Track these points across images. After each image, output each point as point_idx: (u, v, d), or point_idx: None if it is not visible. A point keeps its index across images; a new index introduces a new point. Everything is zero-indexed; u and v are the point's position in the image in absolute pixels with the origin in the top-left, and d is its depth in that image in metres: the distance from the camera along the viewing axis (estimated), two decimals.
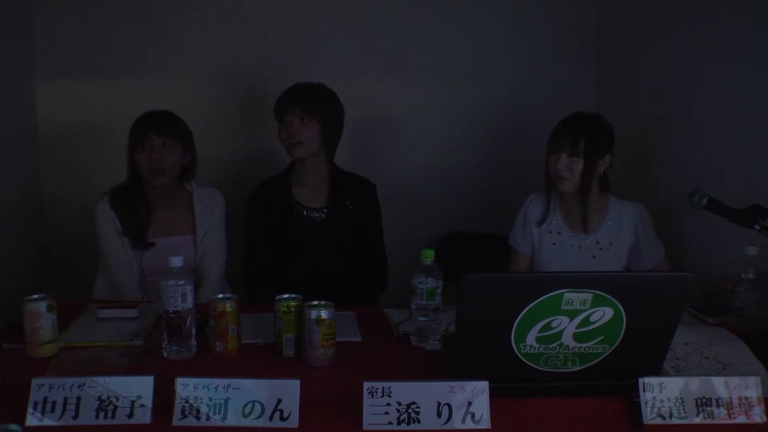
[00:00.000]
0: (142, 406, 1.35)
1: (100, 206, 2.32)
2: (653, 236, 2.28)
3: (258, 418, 1.34)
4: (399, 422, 1.33)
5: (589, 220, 2.26)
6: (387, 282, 2.48)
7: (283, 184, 2.41)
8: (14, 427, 1.18)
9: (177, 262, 1.67)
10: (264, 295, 2.19)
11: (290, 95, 2.35)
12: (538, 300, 1.37)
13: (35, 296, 1.67)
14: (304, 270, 2.32)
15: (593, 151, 2.18)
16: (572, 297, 1.37)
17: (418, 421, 1.33)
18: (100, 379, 1.37)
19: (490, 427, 1.34)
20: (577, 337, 1.41)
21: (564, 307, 1.38)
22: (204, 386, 1.36)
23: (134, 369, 1.59)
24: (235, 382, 1.37)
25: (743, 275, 1.85)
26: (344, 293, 2.29)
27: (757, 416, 1.38)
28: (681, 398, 1.38)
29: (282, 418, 1.34)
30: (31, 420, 1.33)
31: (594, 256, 2.26)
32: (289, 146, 2.32)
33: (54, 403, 1.34)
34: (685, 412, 1.37)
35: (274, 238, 2.36)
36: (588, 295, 1.37)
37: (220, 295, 1.69)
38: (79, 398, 1.35)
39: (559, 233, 2.31)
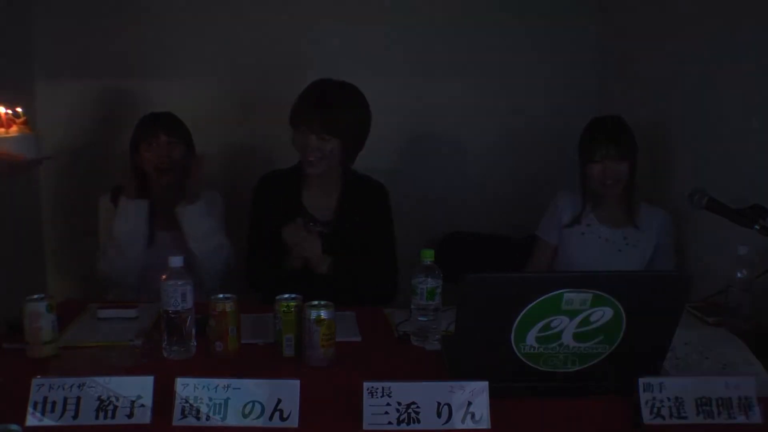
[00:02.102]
0: (142, 406, 1.35)
1: (102, 201, 2.38)
2: (670, 248, 2.33)
3: (258, 418, 1.34)
4: (399, 422, 1.33)
5: (619, 217, 2.33)
6: (394, 291, 2.26)
7: (293, 184, 2.29)
8: (14, 427, 1.18)
9: (177, 261, 1.66)
10: (269, 285, 2.09)
11: (312, 107, 2.15)
12: (538, 300, 1.37)
13: (35, 296, 1.67)
14: (306, 274, 2.21)
15: (633, 151, 2.27)
16: (572, 297, 1.37)
17: (418, 421, 1.33)
18: (100, 379, 1.37)
19: (489, 427, 1.34)
20: (577, 337, 1.41)
21: (564, 307, 1.38)
22: (204, 386, 1.36)
23: (134, 369, 1.58)
24: (235, 382, 1.37)
25: (738, 275, 1.86)
26: (348, 297, 2.21)
27: (756, 416, 1.38)
28: (681, 398, 1.38)
29: (282, 418, 1.34)
30: (31, 420, 1.33)
31: (620, 250, 2.31)
32: (307, 163, 2.18)
33: (54, 403, 1.35)
34: (684, 412, 1.37)
35: (278, 239, 2.22)
36: (588, 295, 1.37)
37: (220, 295, 1.69)
38: (79, 398, 1.35)
39: (588, 225, 2.37)
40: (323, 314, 1.60)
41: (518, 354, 1.42)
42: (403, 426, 1.33)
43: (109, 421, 1.34)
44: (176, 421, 1.34)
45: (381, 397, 1.34)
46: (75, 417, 1.34)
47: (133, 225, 2.27)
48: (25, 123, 2.37)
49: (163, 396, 1.36)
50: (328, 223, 2.26)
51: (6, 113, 2.37)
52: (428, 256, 1.76)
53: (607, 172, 2.25)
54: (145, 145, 2.32)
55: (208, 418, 1.34)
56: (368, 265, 2.22)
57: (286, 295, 1.69)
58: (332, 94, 2.18)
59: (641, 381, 1.39)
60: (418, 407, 1.34)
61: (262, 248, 2.28)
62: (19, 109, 2.31)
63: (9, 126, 2.30)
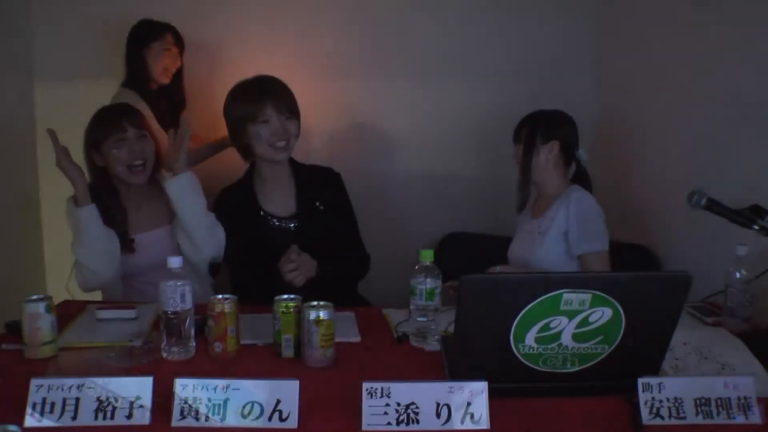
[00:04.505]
0: (141, 406, 1.35)
1: (67, 206, 2.20)
2: (588, 228, 2.18)
3: (257, 418, 1.34)
4: (398, 423, 1.33)
5: (539, 207, 2.33)
6: (369, 264, 2.37)
7: (249, 193, 2.29)
8: (13, 427, 1.18)
9: (176, 262, 1.66)
10: (252, 292, 2.04)
11: (269, 91, 2.20)
12: (537, 300, 1.37)
13: (34, 297, 1.67)
14: (281, 277, 2.16)
15: (529, 137, 2.28)
16: (571, 297, 1.37)
17: (418, 422, 1.33)
18: (99, 380, 1.37)
19: (489, 427, 1.34)
20: (576, 337, 1.41)
21: (563, 307, 1.38)
22: (203, 387, 1.36)
23: (133, 370, 1.59)
24: (234, 382, 1.37)
25: (736, 275, 1.86)
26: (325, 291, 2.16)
27: (755, 416, 1.38)
28: (680, 398, 1.38)
29: (281, 419, 1.34)
30: (30, 421, 1.33)
31: (533, 240, 2.29)
32: (276, 149, 2.20)
33: (53, 404, 1.34)
34: (683, 412, 1.37)
35: (247, 250, 2.23)
36: (587, 296, 1.37)
37: (219, 296, 1.70)
38: (78, 399, 1.35)
39: (524, 221, 2.39)
40: (322, 315, 1.60)
41: (517, 354, 1.42)
42: (403, 426, 1.33)
43: (108, 422, 1.34)
44: (175, 421, 1.34)
45: (380, 397, 1.34)
46: (74, 418, 1.34)
47: (90, 234, 2.09)
48: None
49: (162, 397, 1.36)
50: (291, 217, 2.27)
51: None
52: (427, 257, 1.76)
53: (514, 158, 2.33)
54: (112, 143, 2.12)
55: (207, 418, 1.34)
56: (343, 254, 2.27)
57: (285, 296, 1.69)
58: (276, 81, 2.25)
59: (640, 381, 1.38)
60: (417, 408, 1.34)
61: (235, 269, 2.26)
62: None
63: None
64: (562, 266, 2.19)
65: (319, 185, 2.31)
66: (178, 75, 2.94)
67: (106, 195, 2.18)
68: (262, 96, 2.20)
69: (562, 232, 2.21)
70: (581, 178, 2.33)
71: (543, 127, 2.28)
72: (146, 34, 2.87)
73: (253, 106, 2.18)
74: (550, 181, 2.29)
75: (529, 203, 2.39)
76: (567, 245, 2.21)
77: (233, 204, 2.28)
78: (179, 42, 2.93)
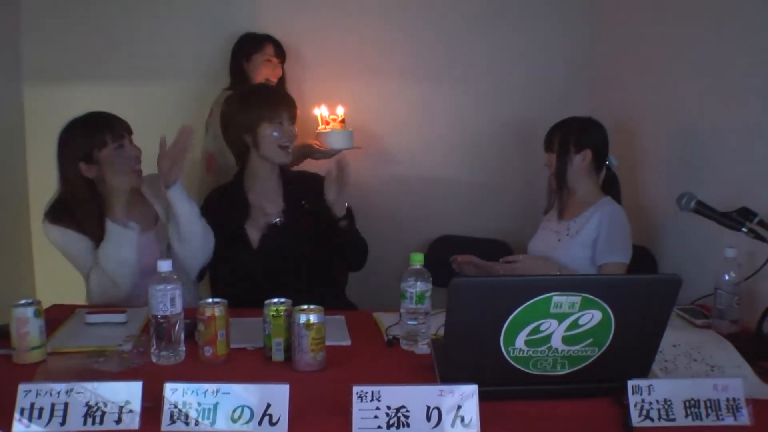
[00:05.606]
0: (131, 411, 1.34)
1: (49, 229, 2.17)
2: (615, 241, 2.24)
3: (247, 423, 1.34)
4: (388, 426, 1.33)
5: (569, 209, 2.37)
6: (366, 253, 2.38)
7: (238, 191, 2.37)
8: None
9: (165, 266, 1.66)
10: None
11: (282, 98, 2.38)
12: (527, 303, 1.37)
13: (22, 301, 1.66)
14: (269, 273, 2.26)
15: (562, 146, 2.33)
16: (561, 300, 1.37)
17: (408, 425, 1.33)
18: (88, 385, 1.36)
19: (479, 430, 1.34)
20: (566, 340, 1.42)
21: (553, 310, 1.38)
22: (193, 391, 1.36)
23: (122, 374, 1.58)
24: (224, 387, 1.36)
25: (725, 277, 1.87)
26: (315, 289, 2.18)
27: (744, 418, 1.38)
28: (669, 400, 1.39)
29: (271, 423, 1.33)
30: (18, 427, 1.32)
31: (559, 240, 2.34)
32: (281, 150, 2.31)
33: (41, 410, 1.33)
34: (673, 414, 1.38)
35: (235, 247, 2.29)
36: (576, 298, 1.38)
37: (209, 300, 1.69)
38: (66, 404, 1.34)
39: (549, 220, 2.44)
40: (312, 318, 1.60)
41: (507, 357, 1.42)
42: (393, 430, 1.33)
43: (97, 427, 1.33)
44: (165, 426, 1.33)
45: (370, 401, 1.34)
46: (62, 423, 1.33)
47: (125, 253, 2.10)
48: (341, 121, 2.89)
49: (152, 401, 1.36)
50: (279, 213, 2.35)
51: (322, 115, 2.94)
52: (418, 260, 1.76)
53: (546, 162, 2.39)
54: (112, 150, 2.11)
55: (197, 423, 1.33)
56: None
57: (275, 300, 1.69)
58: (284, 90, 2.48)
59: (630, 383, 1.39)
60: (407, 411, 1.34)
61: (221, 265, 2.31)
62: (338, 111, 2.92)
63: (327, 123, 2.78)
64: (586, 270, 2.25)
65: (305, 186, 2.40)
66: (281, 84, 3.00)
67: (91, 206, 2.13)
68: (279, 100, 2.36)
69: (591, 239, 2.27)
70: (611, 184, 2.40)
71: (575, 136, 2.33)
72: (247, 47, 2.97)
73: (271, 109, 2.31)
74: (582, 187, 2.35)
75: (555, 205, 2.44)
76: (593, 252, 2.26)
77: (222, 200, 2.37)
78: (279, 52, 3.01)
